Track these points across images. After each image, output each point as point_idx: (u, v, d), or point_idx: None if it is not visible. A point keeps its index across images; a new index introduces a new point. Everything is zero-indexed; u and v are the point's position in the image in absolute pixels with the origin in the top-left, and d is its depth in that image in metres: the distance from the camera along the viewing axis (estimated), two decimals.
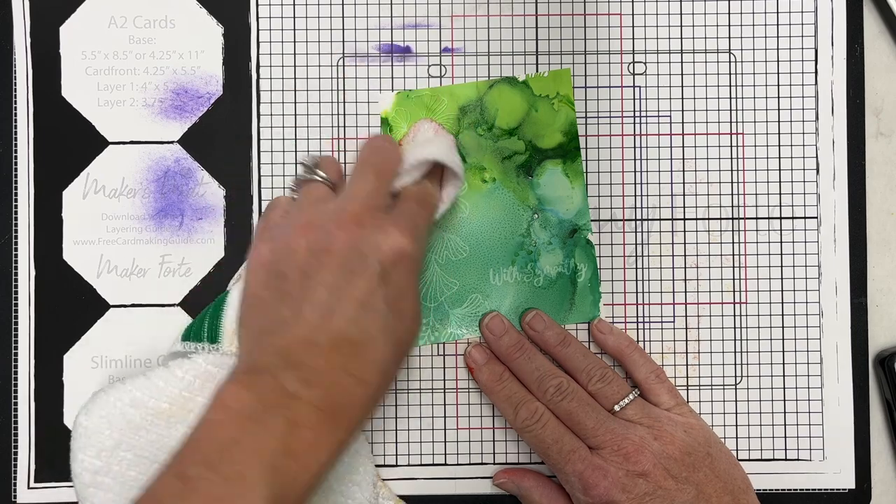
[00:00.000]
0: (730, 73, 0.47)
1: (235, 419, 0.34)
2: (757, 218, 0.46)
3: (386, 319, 0.37)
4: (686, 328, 0.46)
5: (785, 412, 0.46)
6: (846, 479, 0.46)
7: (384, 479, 0.46)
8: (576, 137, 0.46)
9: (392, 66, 0.46)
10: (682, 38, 0.47)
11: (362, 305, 0.36)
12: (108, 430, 0.40)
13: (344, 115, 0.46)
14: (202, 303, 0.45)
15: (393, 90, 0.46)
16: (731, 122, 0.47)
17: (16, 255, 0.46)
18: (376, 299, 0.36)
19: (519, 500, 0.46)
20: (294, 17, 0.46)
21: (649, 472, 0.40)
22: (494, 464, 0.46)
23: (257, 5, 0.46)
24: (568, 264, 0.46)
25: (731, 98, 0.47)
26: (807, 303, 0.46)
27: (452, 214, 0.46)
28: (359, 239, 0.37)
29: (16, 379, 0.46)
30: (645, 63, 0.47)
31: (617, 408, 0.43)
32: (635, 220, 0.47)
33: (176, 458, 0.34)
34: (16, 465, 0.45)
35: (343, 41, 0.46)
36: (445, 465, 0.46)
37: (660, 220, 0.47)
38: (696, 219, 0.46)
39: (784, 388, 0.46)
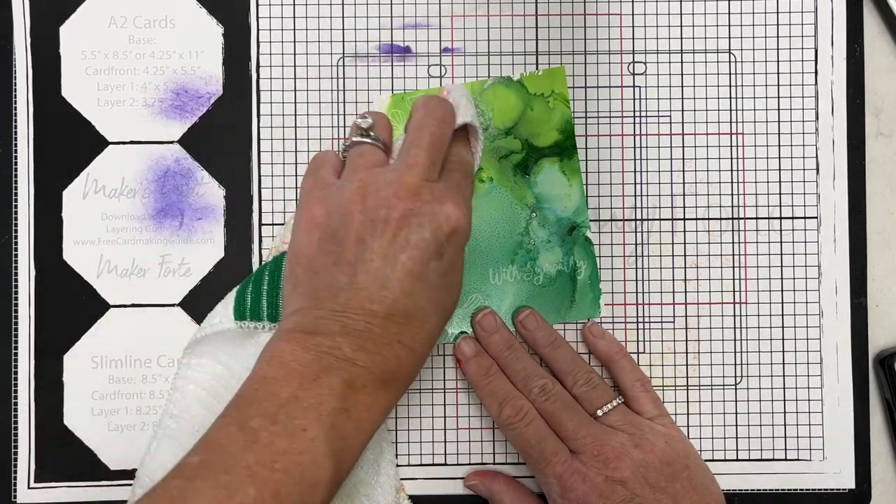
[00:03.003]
0: (730, 73, 0.47)
1: (294, 377, 0.34)
2: (757, 218, 0.46)
3: (437, 293, 0.37)
4: (686, 328, 0.46)
5: (785, 412, 0.46)
6: (846, 480, 0.46)
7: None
8: (572, 135, 0.46)
9: (392, 66, 0.46)
10: (682, 38, 0.47)
11: (417, 278, 0.36)
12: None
13: (344, 115, 0.46)
14: (202, 303, 0.45)
15: (393, 90, 0.46)
16: (731, 122, 0.47)
17: (16, 255, 0.46)
18: (431, 273, 0.37)
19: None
20: (294, 17, 0.46)
21: (627, 479, 0.40)
22: (495, 464, 0.46)
23: (257, 5, 0.46)
24: (567, 262, 0.46)
25: (731, 98, 0.47)
26: (807, 303, 0.46)
27: None
28: (417, 211, 0.37)
29: (16, 379, 0.46)
30: (645, 63, 0.47)
31: (600, 412, 0.42)
32: (635, 219, 0.46)
33: (234, 410, 0.34)
34: (16, 465, 0.45)
35: (343, 41, 0.46)
36: (445, 465, 0.46)
37: (660, 220, 0.46)
38: (696, 219, 0.46)
39: (784, 388, 0.46)
